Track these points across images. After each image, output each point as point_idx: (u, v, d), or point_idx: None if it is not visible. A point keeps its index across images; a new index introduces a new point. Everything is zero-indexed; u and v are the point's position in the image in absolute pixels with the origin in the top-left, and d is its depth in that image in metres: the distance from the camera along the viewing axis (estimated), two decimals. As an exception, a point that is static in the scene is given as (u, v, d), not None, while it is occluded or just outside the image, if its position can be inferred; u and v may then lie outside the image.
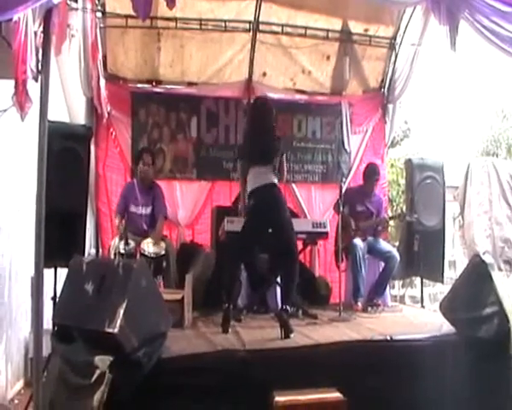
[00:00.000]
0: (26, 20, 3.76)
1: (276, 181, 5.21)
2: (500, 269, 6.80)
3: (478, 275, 4.51)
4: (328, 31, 7.50)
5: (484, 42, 4.52)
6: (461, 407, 4.10)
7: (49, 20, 3.71)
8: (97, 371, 3.27)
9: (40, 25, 3.84)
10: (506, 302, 4.38)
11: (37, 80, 3.93)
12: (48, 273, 4.60)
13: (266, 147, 5.31)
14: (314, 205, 7.82)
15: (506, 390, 4.31)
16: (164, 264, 5.85)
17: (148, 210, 6.18)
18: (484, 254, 6.68)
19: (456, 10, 4.51)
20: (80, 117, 6.49)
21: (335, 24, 7.54)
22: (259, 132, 5.40)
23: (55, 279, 4.96)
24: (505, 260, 7.01)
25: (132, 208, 6.15)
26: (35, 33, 3.95)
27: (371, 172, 6.72)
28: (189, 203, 7.37)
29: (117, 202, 6.39)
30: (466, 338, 4.36)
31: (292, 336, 4.58)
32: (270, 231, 5.20)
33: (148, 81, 7.43)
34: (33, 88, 3.95)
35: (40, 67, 3.85)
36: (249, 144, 5.52)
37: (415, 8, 6.85)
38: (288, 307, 4.93)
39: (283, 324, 4.65)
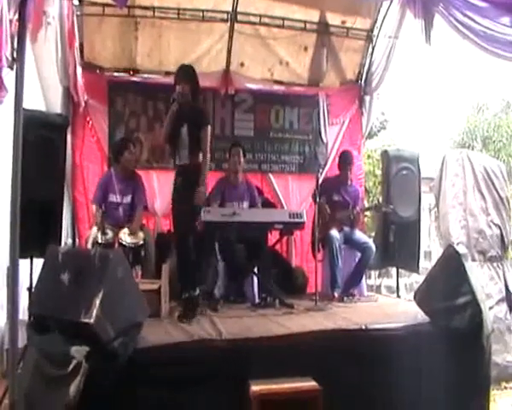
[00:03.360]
0: (1, 8, 3.73)
1: None
2: (474, 259, 6.89)
3: (451, 265, 4.57)
4: (305, 22, 7.55)
5: (458, 36, 4.56)
6: (434, 395, 4.19)
7: (24, 8, 3.69)
8: (73, 362, 3.26)
9: (15, 12, 3.80)
10: (479, 292, 4.46)
11: (12, 68, 3.90)
12: (24, 263, 4.57)
13: None
14: (291, 195, 7.86)
15: (478, 378, 4.41)
16: (142, 253, 5.84)
17: (128, 199, 6.14)
18: (458, 244, 6.76)
19: (431, 4, 4.55)
20: (57, 106, 6.43)
21: (313, 15, 7.59)
22: None
23: (31, 269, 4.92)
24: (479, 250, 7.10)
25: (111, 198, 6.09)
26: (10, 21, 3.91)
27: (345, 159, 6.72)
28: (166, 193, 7.25)
29: (94, 191, 6.31)
30: (440, 328, 4.42)
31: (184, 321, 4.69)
32: None
33: (126, 70, 7.38)
34: (9, 76, 3.91)
35: (15, 55, 3.82)
36: None
37: (392, 0, 6.89)
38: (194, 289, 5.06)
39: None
